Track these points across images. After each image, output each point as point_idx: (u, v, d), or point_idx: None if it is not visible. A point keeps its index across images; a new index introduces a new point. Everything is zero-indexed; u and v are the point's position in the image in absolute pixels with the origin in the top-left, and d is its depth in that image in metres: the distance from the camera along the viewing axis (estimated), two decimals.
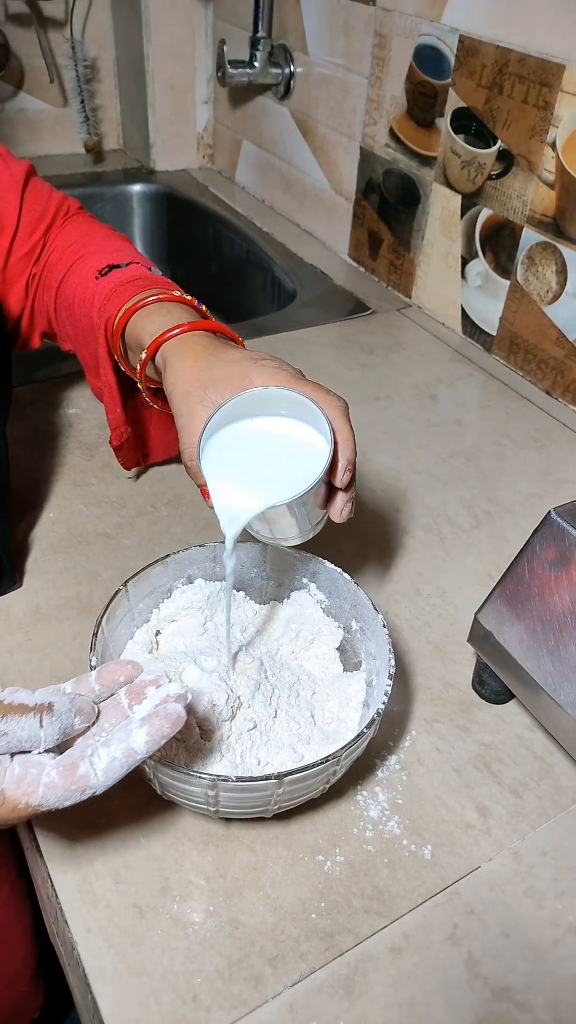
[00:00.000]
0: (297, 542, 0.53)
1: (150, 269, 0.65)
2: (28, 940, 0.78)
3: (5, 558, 0.62)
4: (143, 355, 0.57)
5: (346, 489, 0.50)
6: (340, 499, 0.51)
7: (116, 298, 0.61)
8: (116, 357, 0.63)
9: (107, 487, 0.76)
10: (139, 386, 0.61)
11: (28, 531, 0.70)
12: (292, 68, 1.23)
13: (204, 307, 0.61)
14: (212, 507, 0.50)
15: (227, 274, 1.38)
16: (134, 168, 1.51)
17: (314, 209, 1.29)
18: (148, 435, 0.75)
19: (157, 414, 0.72)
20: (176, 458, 0.80)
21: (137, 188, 1.46)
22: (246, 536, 0.51)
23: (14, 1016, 0.79)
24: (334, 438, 0.48)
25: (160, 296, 0.59)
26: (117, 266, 0.64)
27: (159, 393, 0.61)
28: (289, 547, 0.55)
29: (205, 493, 0.51)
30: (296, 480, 0.47)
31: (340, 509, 0.51)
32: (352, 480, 0.50)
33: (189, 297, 0.60)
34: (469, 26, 0.92)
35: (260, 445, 0.51)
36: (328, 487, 0.50)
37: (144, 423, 0.74)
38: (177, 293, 0.60)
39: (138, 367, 0.58)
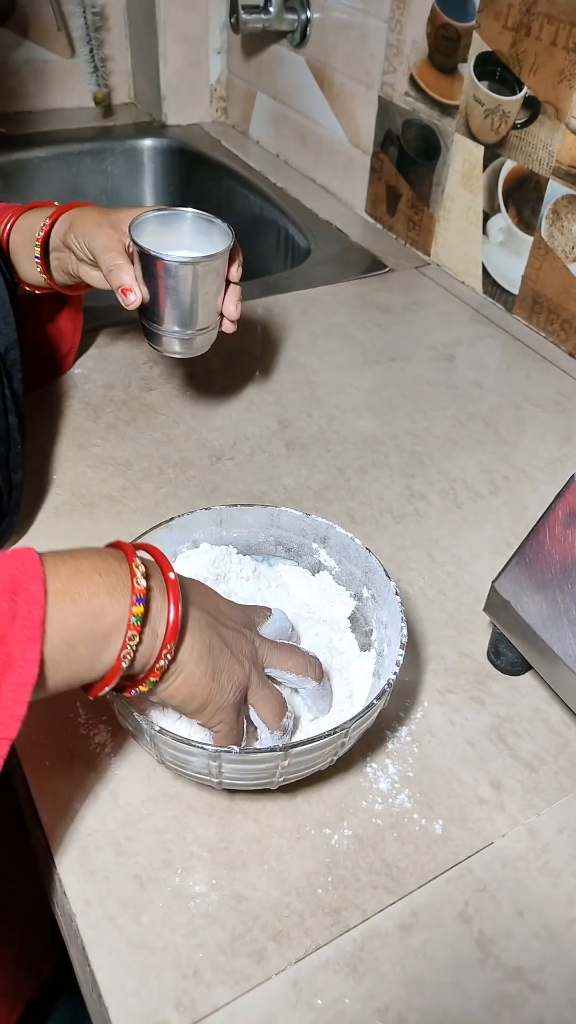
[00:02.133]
0: (198, 347, 0.68)
1: None
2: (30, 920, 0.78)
3: (7, 498, 0.61)
4: (39, 235, 0.65)
5: (237, 282, 0.67)
6: (233, 293, 0.67)
7: None
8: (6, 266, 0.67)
9: (113, 449, 0.74)
10: (37, 264, 0.66)
11: (33, 493, 0.68)
12: (308, 13, 1.17)
13: None
14: (130, 304, 0.62)
15: (240, 231, 1.33)
16: (145, 122, 1.46)
17: (330, 163, 1.25)
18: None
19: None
20: (181, 422, 0.78)
21: (148, 143, 1.41)
22: (246, 495, 0.50)
23: (13, 989, 0.79)
24: (232, 235, 0.64)
25: (33, 205, 0.68)
26: None
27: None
28: (189, 353, 0.68)
29: (125, 292, 0.62)
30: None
31: (235, 305, 0.67)
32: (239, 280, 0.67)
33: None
34: None
35: (176, 236, 0.67)
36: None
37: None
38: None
39: (37, 252, 0.66)
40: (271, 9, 1.18)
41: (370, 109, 1.12)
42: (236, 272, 0.67)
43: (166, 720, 0.46)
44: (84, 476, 0.71)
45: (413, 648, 0.59)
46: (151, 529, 0.52)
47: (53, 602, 0.36)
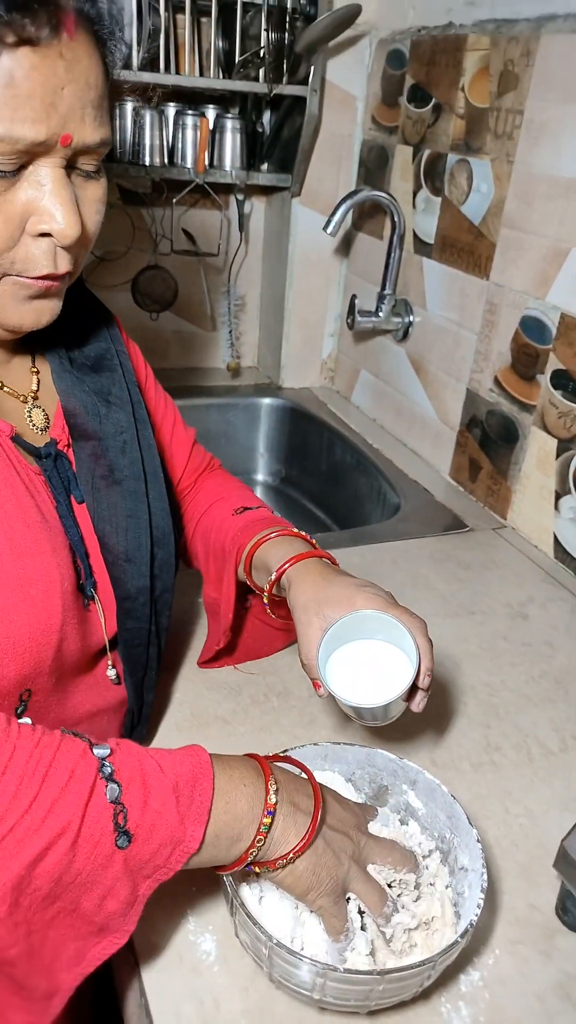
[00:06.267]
0: (381, 724, 0.69)
1: (272, 512, 0.83)
2: None
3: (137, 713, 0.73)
4: (272, 576, 0.72)
5: (426, 689, 0.66)
6: (420, 695, 0.66)
7: (248, 531, 0.78)
8: (245, 575, 0.77)
9: (227, 675, 0.86)
10: (264, 600, 0.75)
11: (160, 708, 0.80)
12: (412, 318, 1.43)
13: (313, 540, 0.77)
14: (321, 696, 0.66)
15: (336, 477, 1.54)
16: (265, 384, 1.74)
17: (421, 433, 1.45)
18: (237, 641, 0.87)
19: (251, 624, 0.86)
20: (286, 654, 0.90)
21: (266, 401, 1.67)
22: (338, 730, 0.60)
23: None
24: (418, 654, 0.64)
25: (282, 532, 0.76)
26: (249, 508, 0.82)
27: (274, 605, 0.77)
28: (372, 725, 0.71)
29: (316, 685, 0.67)
30: (391, 685, 0.65)
31: (419, 702, 0.67)
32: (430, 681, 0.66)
33: (303, 533, 0.77)
34: (570, 307, 1.09)
35: (363, 660, 0.67)
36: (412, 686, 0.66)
37: (236, 634, 0.86)
38: (294, 530, 0.77)
39: (266, 586, 0.74)
40: (381, 314, 1.45)
41: (459, 397, 1.33)
42: (424, 680, 0.65)
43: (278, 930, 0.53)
44: (202, 697, 0.82)
45: (487, 895, 0.64)
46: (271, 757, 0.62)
47: (215, 799, 0.50)
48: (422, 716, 0.83)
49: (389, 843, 0.59)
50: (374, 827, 0.61)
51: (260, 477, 1.73)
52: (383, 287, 1.43)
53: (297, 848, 0.52)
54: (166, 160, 1.43)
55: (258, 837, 0.51)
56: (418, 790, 0.64)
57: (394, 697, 0.63)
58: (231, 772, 0.52)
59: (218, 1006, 0.55)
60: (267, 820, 0.51)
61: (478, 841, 0.57)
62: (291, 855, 0.52)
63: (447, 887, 0.59)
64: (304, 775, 0.58)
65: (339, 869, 0.54)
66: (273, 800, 0.52)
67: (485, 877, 0.54)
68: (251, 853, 0.51)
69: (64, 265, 0.55)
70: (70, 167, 0.53)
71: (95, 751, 0.49)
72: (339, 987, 0.48)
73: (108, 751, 0.50)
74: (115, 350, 0.71)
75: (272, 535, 0.75)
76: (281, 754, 0.63)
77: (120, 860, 0.47)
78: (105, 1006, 0.84)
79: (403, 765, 0.64)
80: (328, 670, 0.67)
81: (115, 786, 0.48)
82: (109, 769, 0.48)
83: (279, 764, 0.58)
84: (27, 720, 0.60)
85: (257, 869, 0.53)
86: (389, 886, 0.57)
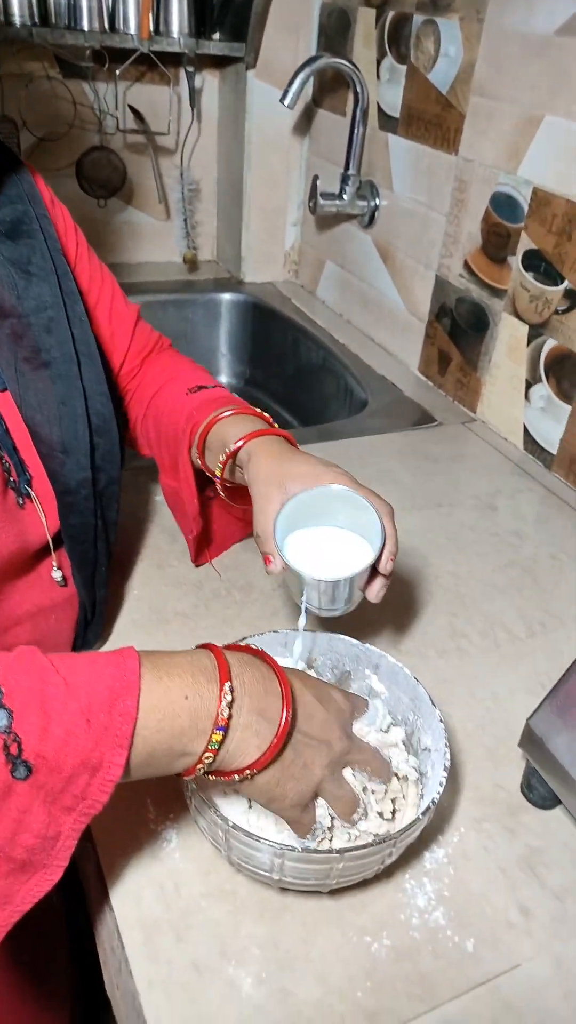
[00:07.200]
0: (337, 614, 0.65)
1: (230, 393, 0.77)
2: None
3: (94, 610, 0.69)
4: (227, 451, 0.67)
5: (387, 575, 0.62)
6: (379, 582, 0.63)
7: (204, 409, 0.72)
8: (197, 457, 0.72)
9: (187, 570, 0.83)
10: (217, 480, 0.70)
11: (116, 605, 0.77)
12: (378, 201, 1.35)
13: (272, 420, 0.71)
14: (271, 572, 0.62)
15: (303, 377, 1.48)
16: (224, 278, 1.65)
17: (389, 326, 1.39)
18: (211, 530, 0.83)
19: (218, 512, 0.82)
20: (248, 548, 0.87)
21: (227, 297, 1.59)
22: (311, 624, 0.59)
23: None
24: (383, 536, 0.61)
25: (240, 410, 0.70)
26: (204, 387, 0.76)
27: (229, 492, 0.72)
28: (329, 617, 0.66)
29: (267, 560, 0.62)
30: (353, 561, 0.62)
31: (377, 591, 0.63)
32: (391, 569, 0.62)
33: (263, 412, 0.71)
34: (543, 180, 1.02)
35: (323, 540, 0.64)
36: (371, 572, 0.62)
37: (208, 522, 0.82)
38: (253, 408, 0.71)
39: (221, 462, 0.68)
40: (345, 197, 1.36)
41: (427, 285, 1.27)
42: (386, 565, 0.61)
43: (234, 813, 0.52)
44: (161, 593, 0.80)
45: (452, 776, 0.64)
46: (228, 646, 0.60)
47: (142, 718, 0.43)
48: (386, 606, 0.81)
49: (371, 750, 0.54)
50: (359, 727, 0.56)
51: (223, 379, 1.67)
52: (347, 167, 1.35)
53: (257, 762, 0.46)
54: (106, 25, 1.31)
55: (207, 754, 0.45)
56: (381, 674, 0.62)
57: (353, 573, 0.59)
58: (168, 684, 0.44)
59: (179, 889, 0.54)
60: (217, 736, 0.45)
61: (441, 721, 0.55)
62: (248, 772, 0.46)
63: (419, 795, 0.57)
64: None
65: (308, 780, 0.49)
66: (226, 715, 0.45)
67: (448, 756, 0.53)
68: (199, 769, 0.45)
69: None
70: None
71: None
72: (298, 867, 0.47)
73: None
74: (35, 213, 0.63)
75: (228, 413, 0.69)
76: (242, 643, 0.60)
77: (23, 791, 0.41)
78: (70, 898, 0.85)
79: (365, 650, 0.63)
80: (284, 548, 0.62)
81: (2, 712, 0.41)
82: None
83: (245, 656, 0.50)
84: None
85: (212, 778, 0.48)
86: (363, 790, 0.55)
